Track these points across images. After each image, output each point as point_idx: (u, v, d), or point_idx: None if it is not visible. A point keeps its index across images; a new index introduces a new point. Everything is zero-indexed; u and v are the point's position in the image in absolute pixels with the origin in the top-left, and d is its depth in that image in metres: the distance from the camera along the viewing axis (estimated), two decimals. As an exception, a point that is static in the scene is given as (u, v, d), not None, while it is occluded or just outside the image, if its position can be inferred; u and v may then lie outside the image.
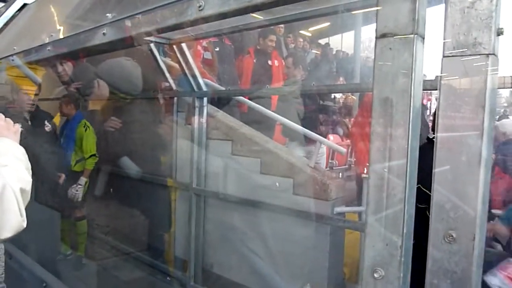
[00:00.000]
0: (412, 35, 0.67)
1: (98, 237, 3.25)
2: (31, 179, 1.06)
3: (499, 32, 0.60)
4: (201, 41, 4.19)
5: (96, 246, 3.30)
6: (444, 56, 0.63)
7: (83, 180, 3.29)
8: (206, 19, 1.07)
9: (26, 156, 1.14)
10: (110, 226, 2.63)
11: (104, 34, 1.40)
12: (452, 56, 0.62)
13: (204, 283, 3.31)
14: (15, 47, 2.10)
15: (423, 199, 0.73)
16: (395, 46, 0.69)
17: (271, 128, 3.69)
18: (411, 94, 0.68)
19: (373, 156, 0.71)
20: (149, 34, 1.29)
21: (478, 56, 0.60)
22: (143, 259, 3.38)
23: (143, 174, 3.03)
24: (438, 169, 0.65)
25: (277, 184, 2.88)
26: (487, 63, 0.60)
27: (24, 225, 0.95)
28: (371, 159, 0.71)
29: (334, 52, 9.67)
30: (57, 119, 3.53)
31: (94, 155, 3.36)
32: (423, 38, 0.70)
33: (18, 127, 1.22)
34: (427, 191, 0.67)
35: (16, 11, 2.46)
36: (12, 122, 1.22)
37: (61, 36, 1.68)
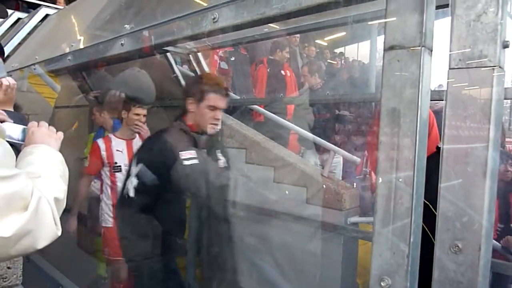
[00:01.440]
0: (419, 48, 0.69)
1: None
2: (66, 188, 1.07)
3: (505, 45, 0.61)
4: (217, 50, 4.26)
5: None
6: (450, 68, 0.64)
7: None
8: (220, 31, 1.10)
9: (64, 163, 1.15)
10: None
11: (122, 44, 1.45)
12: (458, 68, 0.63)
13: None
14: (36, 56, 2.17)
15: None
16: (402, 58, 0.71)
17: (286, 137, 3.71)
18: (418, 105, 0.69)
19: (381, 166, 0.72)
20: (165, 44, 1.33)
21: (484, 69, 0.61)
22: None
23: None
24: (444, 180, 0.65)
25: (286, 192, 2.87)
26: (492, 75, 0.60)
27: (59, 233, 0.97)
28: (379, 169, 0.73)
29: (350, 61, 9.64)
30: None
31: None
32: (431, 50, 0.71)
33: (60, 135, 1.23)
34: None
35: (39, 22, 2.55)
36: (54, 129, 1.23)
37: (81, 46, 1.74)
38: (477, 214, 0.62)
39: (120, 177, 2.76)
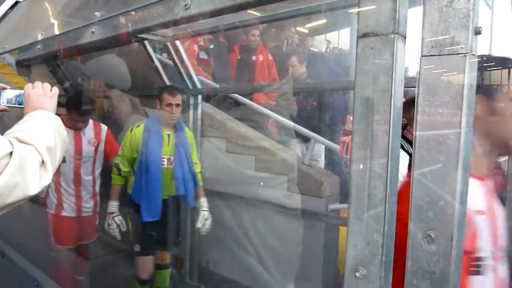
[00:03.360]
0: (393, 35, 0.67)
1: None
2: (59, 139, 1.14)
3: (477, 32, 0.60)
4: (196, 39, 4.19)
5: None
6: (422, 55, 0.63)
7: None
8: (192, 18, 1.07)
9: (60, 123, 1.21)
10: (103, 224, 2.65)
11: (92, 32, 1.40)
12: (430, 55, 0.62)
13: (200, 281, 3.32)
14: (5, 46, 2.09)
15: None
16: (376, 46, 0.69)
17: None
18: (391, 93, 0.67)
19: (355, 155, 0.71)
20: (137, 32, 1.29)
21: (456, 55, 0.60)
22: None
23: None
24: (417, 168, 0.64)
25: (261, 183, 2.87)
26: (465, 62, 0.59)
27: (48, 181, 1.05)
28: (353, 159, 0.71)
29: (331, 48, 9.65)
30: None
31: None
32: (404, 38, 0.70)
33: (55, 91, 1.28)
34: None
35: (8, 9, 2.44)
36: (49, 86, 1.28)
37: (51, 35, 1.67)
38: (449, 204, 0.62)
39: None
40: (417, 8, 0.73)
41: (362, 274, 0.71)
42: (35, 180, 1.01)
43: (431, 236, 0.63)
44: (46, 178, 1.04)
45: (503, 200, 2.41)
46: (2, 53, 2.13)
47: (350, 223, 0.72)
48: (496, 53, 0.95)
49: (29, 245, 2.36)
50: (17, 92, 1.32)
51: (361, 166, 0.70)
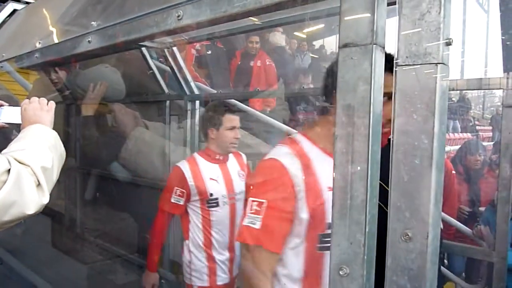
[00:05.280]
0: (371, 45, 0.71)
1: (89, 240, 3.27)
2: (53, 159, 1.13)
3: (448, 43, 0.64)
4: (193, 44, 4.24)
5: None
6: (398, 65, 0.67)
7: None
8: (184, 28, 1.11)
9: (57, 137, 1.23)
10: (100, 230, 2.65)
11: (89, 41, 1.44)
12: (405, 65, 0.66)
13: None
14: (4, 54, 2.13)
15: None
16: (356, 56, 0.73)
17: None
18: (370, 101, 0.71)
19: (337, 159, 0.75)
20: (132, 42, 1.33)
21: (428, 65, 0.64)
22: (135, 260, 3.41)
23: (135, 178, 3.05)
24: (395, 172, 0.68)
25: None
26: (436, 71, 0.63)
27: (46, 201, 1.06)
28: (335, 162, 0.75)
29: (328, 53, 9.73)
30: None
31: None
32: (383, 47, 0.74)
33: (52, 105, 1.31)
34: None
35: (6, 17, 2.49)
36: (45, 101, 1.31)
37: (49, 43, 1.71)
38: (424, 204, 0.66)
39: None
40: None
41: (345, 273, 0.74)
42: (33, 199, 1.01)
43: (408, 235, 0.67)
44: (43, 199, 1.05)
45: (495, 200, 2.46)
46: (0, 61, 2.17)
47: (334, 223, 0.76)
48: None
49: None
50: (15, 108, 1.35)
51: (343, 169, 0.74)
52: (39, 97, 1.32)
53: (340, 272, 0.75)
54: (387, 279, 0.71)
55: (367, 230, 0.72)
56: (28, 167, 1.04)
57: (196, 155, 2.38)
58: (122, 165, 2.79)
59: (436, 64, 0.63)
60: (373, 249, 0.75)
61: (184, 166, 2.28)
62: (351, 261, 0.74)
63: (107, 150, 2.98)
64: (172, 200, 2.22)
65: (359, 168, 0.72)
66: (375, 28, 0.71)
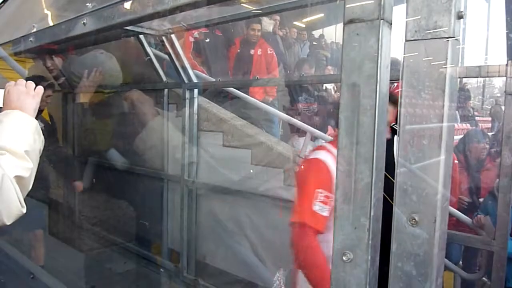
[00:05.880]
0: (378, 20, 0.68)
1: (88, 228, 3.25)
2: (31, 165, 1.04)
3: (459, 16, 0.60)
4: (191, 32, 4.18)
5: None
6: (406, 40, 0.64)
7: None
8: (183, 8, 1.07)
9: (38, 130, 1.11)
10: (97, 217, 2.62)
11: (84, 24, 1.40)
12: (414, 40, 0.63)
13: (197, 274, 3.34)
14: (-2, 39, 2.09)
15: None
16: (362, 32, 0.70)
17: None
18: (377, 79, 0.68)
19: (341, 141, 0.72)
20: (128, 23, 1.29)
21: (439, 40, 0.60)
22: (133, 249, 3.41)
23: (132, 166, 3.02)
24: (401, 153, 0.65)
25: (251, 171, 2.85)
26: (447, 46, 0.60)
27: (24, 211, 0.98)
28: (339, 144, 0.72)
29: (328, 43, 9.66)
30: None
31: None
32: (390, 23, 0.70)
33: (39, 90, 1.17)
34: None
35: (1, 3, 2.44)
36: (33, 85, 1.17)
37: (43, 27, 1.67)
38: (432, 187, 0.63)
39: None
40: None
41: (349, 258, 0.72)
42: (15, 208, 0.95)
43: (415, 219, 0.64)
44: (22, 209, 0.98)
45: (495, 189, 2.43)
46: (-5, 46, 2.13)
47: (337, 208, 0.73)
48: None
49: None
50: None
51: (347, 152, 0.71)
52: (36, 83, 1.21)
53: (344, 258, 0.73)
54: (392, 265, 0.68)
55: (372, 214, 0.70)
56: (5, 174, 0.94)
57: (329, 145, 1.80)
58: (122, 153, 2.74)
59: (447, 38, 0.59)
60: (377, 234, 0.72)
61: (327, 159, 1.64)
62: (355, 246, 0.72)
63: (107, 138, 2.95)
64: (315, 209, 1.59)
65: (364, 150, 0.69)
66: (382, 3, 0.67)
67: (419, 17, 0.62)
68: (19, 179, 0.99)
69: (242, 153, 3.14)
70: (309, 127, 3.24)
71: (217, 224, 3.22)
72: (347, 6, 0.71)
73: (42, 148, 1.13)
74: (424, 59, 0.62)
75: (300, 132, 3.45)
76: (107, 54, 2.25)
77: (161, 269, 3.57)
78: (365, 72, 0.69)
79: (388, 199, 0.72)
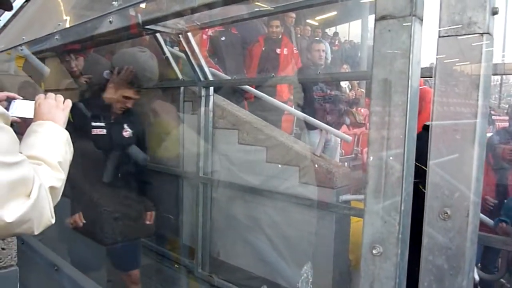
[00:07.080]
0: (410, 17, 0.69)
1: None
2: (64, 176, 1.07)
3: (494, 11, 0.61)
4: (206, 30, 4.20)
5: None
6: (440, 37, 0.64)
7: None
8: (209, 6, 1.09)
9: (69, 141, 1.14)
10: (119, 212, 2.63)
11: (110, 22, 1.42)
12: (448, 36, 0.63)
13: (212, 270, 3.37)
14: (23, 37, 2.13)
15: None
16: (393, 28, 0.71)
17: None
18: (409, 75, 0.69)
19: (372, 135, 0.73)
20: (154, 21, 1.31)
21: (473, 36, 0.61)
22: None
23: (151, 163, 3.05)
24: (434, 147, 0.66)
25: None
26: (481, 42, 0.61)
27: (53, 221, 0.99)
28: (370, 139, 0.73)
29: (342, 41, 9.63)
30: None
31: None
32: (421, 20, 0.71)
33: (68, 103, 1.21)
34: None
35: (25, 1, 2.48)
36: (62, 98, 1.21)
37: (69, 25, 1.70)
38: (465, 181, 0.63)
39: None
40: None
41: (379, 252, 0.73)
42: (46, 219, 0.96)
43: (447, 213, 0.65)
44: (52, 220, 0.99)
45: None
46: (20, 44, 2.17)
47: (367, 202, 0.74)
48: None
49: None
50: (28, 102, 1.25)
51: (378, 146, 0.72)
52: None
53: (373, 251, 0.74)
54: (423, 259, 0.69)
55: (402, 208, 0.71)
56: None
57: None
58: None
59: (482, 34, 0.60)
60: (407, 227, 0.73)
61: None
62: (384, 240, 0.73)
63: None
64: None
65: (395, 144, 0.70)
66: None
67: (453, 13, 0.63)
68: (52, 189, 1.01)
69: (257, 151, 3.16)
70: (323, 124, 3.24)
71: (231, 221, 3.24)
72: (378, 3, 0.72)
73: (71, 159, 1.16)
74: (458, 55, 0.62)
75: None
76: (149, 53, 2.18)
77: (176, 266, 3.61)
78: (397, 68, 0.70)
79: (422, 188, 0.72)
